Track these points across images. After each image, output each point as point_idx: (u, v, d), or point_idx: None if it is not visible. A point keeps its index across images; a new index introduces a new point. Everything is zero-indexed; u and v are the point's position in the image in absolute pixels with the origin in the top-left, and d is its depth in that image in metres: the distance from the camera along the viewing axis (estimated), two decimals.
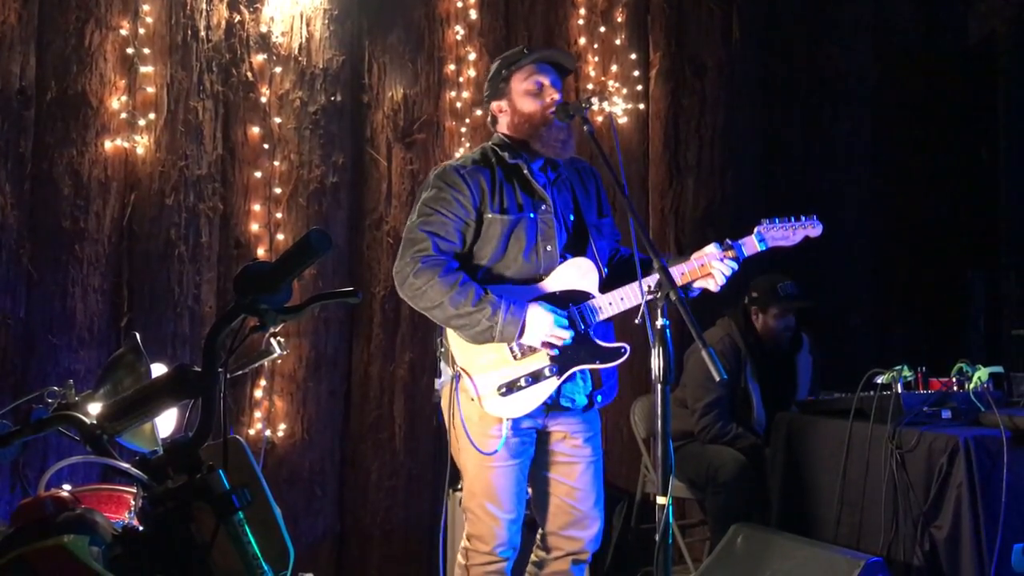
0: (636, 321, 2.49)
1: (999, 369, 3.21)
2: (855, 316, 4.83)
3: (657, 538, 2.11)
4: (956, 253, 4.96)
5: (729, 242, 2.56)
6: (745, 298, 4.01)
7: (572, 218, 2.68)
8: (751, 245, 2.59)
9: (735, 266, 2.54)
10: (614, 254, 2.79)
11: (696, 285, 2.56)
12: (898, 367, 3.22)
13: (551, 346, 2.50)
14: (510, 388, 2.52)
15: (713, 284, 2.55)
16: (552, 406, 2.58)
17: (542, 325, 2.47)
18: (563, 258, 2.62)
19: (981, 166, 4.93)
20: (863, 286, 4.88)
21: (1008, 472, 2.84)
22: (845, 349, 3.65)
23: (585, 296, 2.58)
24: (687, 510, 4.34)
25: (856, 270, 4.86)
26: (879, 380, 3.18)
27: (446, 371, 2.60)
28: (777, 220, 2.61)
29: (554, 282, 2.59)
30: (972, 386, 3.12)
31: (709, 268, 2.53)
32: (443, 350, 2.62)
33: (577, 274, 2.60)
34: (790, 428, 3.55)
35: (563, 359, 2.54)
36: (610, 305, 2.57)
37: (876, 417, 3.12)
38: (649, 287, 2.41)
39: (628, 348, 2.58)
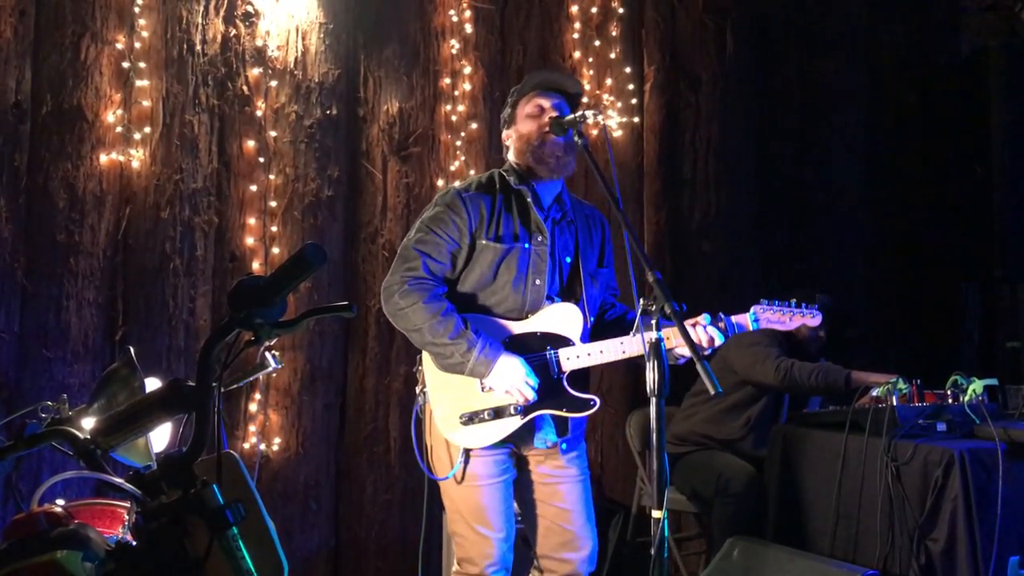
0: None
1: (994, 381, 3.21)
2: (850, 328, 4.83)
3: (653, 552, 2.10)
4: (950, 265, 4.98)
5: (721, 315, 2.56)
6: None
7: (569, 260, 2.67)
8: (743, 322, 2.58)
9: (722, 337, 2.50)
10: (606, 308, 2.77)
11: (677, 351, 2.47)
12: (893, 379, 3.23)
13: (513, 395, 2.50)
14: (471, 418, 2.52)
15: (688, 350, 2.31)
16: (521, 442, 2.57)
17: (511, 375, 2.47)
18: (551, 299, 2.61)
19: (974, 179, 4.95)
20: (858, 298, 4.89)
21: (1003, 485, 2.84)
22: (840, 361, 3.66)
23: (565, 342, 2.56)
24: (683, 523, 4.34)
25: (850, 282, 4.87)
26: (874, 392, 3.18)
27: (418, 389, 2.63)
28: (777, 303, 2.62)
29: (538, 322, 2.58)
30: (967, 398, 3.12)
31: (696, 331, 2.47)
32: (419, 368, 2.64)
33: (562, 318, 2.58)
34: (786, 440, 3.55)
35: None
36: (588, 356, 2.55)
37: (871, 430, 3.12)
38: (624, 351, 2.49)
39: (598, 401, 2.56)
